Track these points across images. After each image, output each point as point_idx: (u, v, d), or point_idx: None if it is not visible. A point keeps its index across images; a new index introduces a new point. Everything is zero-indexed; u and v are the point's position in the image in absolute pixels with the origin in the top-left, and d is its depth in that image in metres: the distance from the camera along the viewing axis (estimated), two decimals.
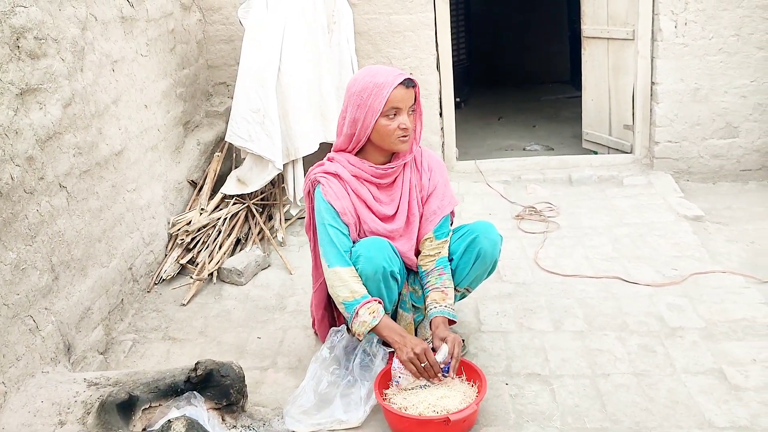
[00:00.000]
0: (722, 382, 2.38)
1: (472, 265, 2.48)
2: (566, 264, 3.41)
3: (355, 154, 2.44)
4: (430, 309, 2.41)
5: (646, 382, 2.42)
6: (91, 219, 2.79)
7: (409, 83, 2.30)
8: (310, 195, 2.47)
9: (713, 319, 2.79)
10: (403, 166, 2.47)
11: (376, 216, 2.45)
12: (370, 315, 2.29)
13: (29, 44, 2.40)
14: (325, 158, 2.48)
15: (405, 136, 2.32)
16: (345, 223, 2.38)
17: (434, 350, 2.30)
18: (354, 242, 2.40)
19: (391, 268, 2.31)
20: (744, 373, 2.42)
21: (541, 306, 3.01)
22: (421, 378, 2.26)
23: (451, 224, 2.61)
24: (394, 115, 2.30)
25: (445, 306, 2.40)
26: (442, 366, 2.26)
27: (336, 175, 2.40)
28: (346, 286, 2.31)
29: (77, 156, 2.71)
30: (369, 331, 2.30)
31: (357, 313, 2.29)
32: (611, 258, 3.44)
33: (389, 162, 2.45)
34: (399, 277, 2.40)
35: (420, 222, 2.51)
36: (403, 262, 2.49)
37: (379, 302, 2.33)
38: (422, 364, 2.23)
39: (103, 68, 3.02)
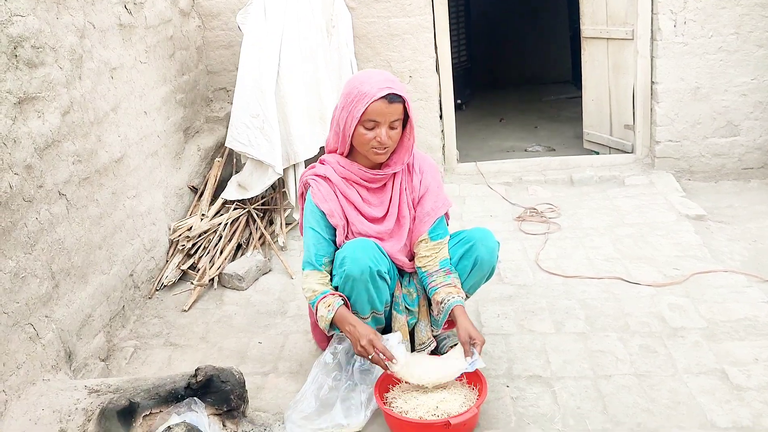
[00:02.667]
0: (724, 382, 2.37)
1: (469, 272, 2.47)
2: (567, 265, 3.40)
3: (347, 156, 2.45)
4: (448, 300, 2.38)
5: (647, 383, 2.41)
6: (91, 226, 2.79)
7: (393, 98, 2.26)
8: (303, 197, 2.51)
9: (715, 319, 2.78)
10: None
11: (365, 218, 2.45)
12: (326, 309, 2.32)
13: (27, 53, 2.41)
14: (318, 160, 2.50)
15: (380, 149, 2.33)
16: (332, 225, 2.40)
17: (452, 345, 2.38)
18: (341, 245, 2.41)
19: (377, 267, 2.30)
20: (746, 372, 2.41)
21: (542, 308, 3.01)
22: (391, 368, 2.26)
23: (447, 225, 2.60)
24: (372, 127, 2.30)
25: (461, 297, 2.39)
26: (464, 373, 2.27)
27: (325, 178, 2.42)
28: (309, 287, 2.38)
29: (76, 164, 2.71)
30: (330, 326, 2.33)
31: (317, 309, 2.34)
32: (613, 258, 3.43)
33: (379, 164, 2.45)
34: (388, 278, 2.39)
35: (413, 224, 2.50)
36: (393, 263, 2.49)
37: (340, 296, 2.34)
38: (369, 356, 2.24)
39: (102, 76, 3.03)
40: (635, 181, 4.46)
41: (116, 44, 3.21)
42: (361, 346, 2.25)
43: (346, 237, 2.45)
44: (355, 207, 2.44)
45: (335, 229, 2.41)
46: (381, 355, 2.24)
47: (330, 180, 2.42)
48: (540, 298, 3.09)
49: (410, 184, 2.50)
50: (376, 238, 2.43)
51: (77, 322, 2.61)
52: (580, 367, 2.54)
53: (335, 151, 2.46)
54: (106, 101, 3.04)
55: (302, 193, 2.52)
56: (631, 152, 4.74)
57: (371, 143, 2.31)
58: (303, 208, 2.50)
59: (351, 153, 2.46)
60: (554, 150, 5.63)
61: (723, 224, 3.80)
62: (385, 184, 2.48)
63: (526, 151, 5.69)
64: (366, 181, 2.44)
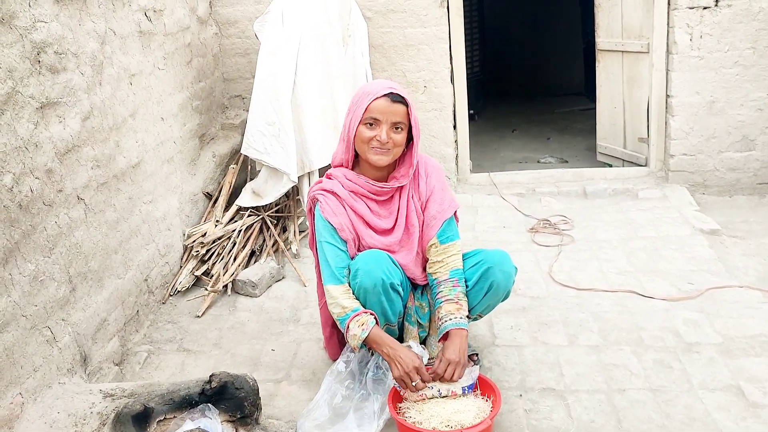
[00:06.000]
0: (740, 398, 2.36)
1: (484, 295, 2.44)
2: (581, 277, 3.40)
3: (352, 168, 2.47)
4: (445, 321, 2.38)
5: (662, 398, 2.40)
6: (108, 231, 2.81)
7: (395, 97, 2.30)
8: (311, 212, 2.51)
9: (730, 335, 2.76)
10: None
11: (374, 230, 2.46)
12: (359, 328, 2.30)
13: (49, 59, 2.44)
14: (325, 175, 2.52)
15: (380, 149, 2.34)
16: (343, 239, 2.40)
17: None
18: (353, 257, 2.42)
19: (390, 279, 2.31)
20: (762, 389, 2.39)
21: (555, 320, 3.00)
22: (417, 390, 2.25)
23: (457, 226, 2.58)
24: (373, 125, 2.32)
25: (460, 318, 2.37)
26: (465, 387, 2.27)
27: (332, 192, 2.43)
28: (337, 303, 2.35)
29: (95, 168, 2.74)
30: (362, 344, 2.32)
31: (348, 326, 2.32)
32: (626, 272, 3.42)
33: (386, 177, 2.46)
34: (401, 290, 2.39)
35: (422, 230, 2.50)
36: (406, 275, 2.49)
37: (371, 314, 2.33)
38: (413, 383, 2.23)
39: (121, 82, 3.06)
40: (649, 195, 4.45)
41: (136, 51, 3.25)
42: (406, 373, 2.23)
43: (358, 249, 2.45)
44: (364, 220, 2.44)
45: (347, 242, 2.42)
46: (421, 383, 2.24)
47: (337, 194, 2.42)
48: (553, 311, 3.08)
49: (417, 190, 2.50)
50: (386, 251, 2.43)
51: (93, 326, 2.63)
52: (593, 381, 2.54)
53: (341, 165, 2.48)
54: (124, 107, 3.07)
55: (310, 208, 2.51)
56: (645, 165, 4.73)
57: (371, 142, 2.33)
58: (312, 224, 2.50)
59: (357, 165, 2.47)
60: (567, 162, 5.63)
61: (737, 239, 3.78)
62: (392, 196, 2.49)
63: (538, 162, 5.69)
64: (373, 193, 2.44)
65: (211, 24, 4.52)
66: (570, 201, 4.52)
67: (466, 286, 2.46)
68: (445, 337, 2.37)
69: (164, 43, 3.62)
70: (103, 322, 2.72)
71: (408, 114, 2.34)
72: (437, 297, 2.44)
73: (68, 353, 2.42)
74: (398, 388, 2.29)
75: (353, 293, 2.35)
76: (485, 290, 2.44)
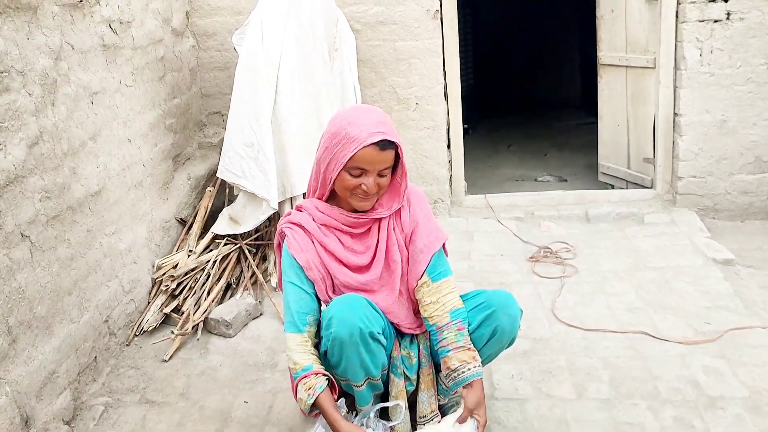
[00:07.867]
0: None
1: (486, 341, 2.15)
2: (587, 315, 3.10)
3: (327, 199, 2.18)
4: (462, 372, 2.07)
5: None
6: (59, 270, 2.50)
7: (385, 144, 1.99)
8: (280, 247, 2.22)
9: (757, 387, 2.47)
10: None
11: (348, 267, 2.16)
12: (306, 392, 2.02)
13: None
14: (295, 207, 2.23)
15: (364, 196, 2.06)
16: (310, 279, 2.12)
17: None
18: (326, 301, 2.13)
19: (369, 328, 2.00)
20: None
21: (560, 366, 2.70)
22: None
23: (446, 257, 2.28)
24: (359, 174, 2.02)
25: (476, 366, 2.08)
26: None
27: (300, 226, 2.15)
28: (291, 356, 2.09)
29: (44, 200, 2.43)
30: (310, 411, 2.04)
31: (296, 388, 2.05)
32: (636, 308, 3.13)
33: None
34: (383, 339, 2.09)
35: (407, 266, 2.20)
36: (390, 321, 2.19)
37: (324, 375, 2.05)
38: None
39: (80, 101, 2.76)
40: (655, 219, 4.17)
41: (98, 66, 2.95)
42: None
43: (333, 290, 2.16)
44: (335, 257, 2.15)
45: (314, 282, 2.14)
46: None
47: (305, 228, 2.14)
48: (558, 355, 2.79)
49: (399, 221, 2.20)
50: (362, 290, 2.14)
51: (38, 382, 2.31)
52: None
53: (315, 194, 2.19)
54: (83, 129, 2.76)
55: (279, 243, 2.23)
56: (651, 187, 4.45)
57: (355, 190, 2.05)
58: (280, 260, 2.21)
59: (332, 196, 2.19)
60: (566, 180, 5.35)
61: (753, 269, 3.51)
62: (370, 228, 2.19)
63: (536, 180, 5.42)
64: (348, 226, 2.16)
65: (188, 36, 4.22)
66: (571, 225, 4.24)
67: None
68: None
69: (132, 58, 3.31)
70: (52, 374, 2.40)
71: (397, 153, 2.06)
72: (442, 345, 2.12)
73: (4, 417, 2.10)
74: None
75: (327, 344, 2.04)
76: (488, 336, 2.15)
